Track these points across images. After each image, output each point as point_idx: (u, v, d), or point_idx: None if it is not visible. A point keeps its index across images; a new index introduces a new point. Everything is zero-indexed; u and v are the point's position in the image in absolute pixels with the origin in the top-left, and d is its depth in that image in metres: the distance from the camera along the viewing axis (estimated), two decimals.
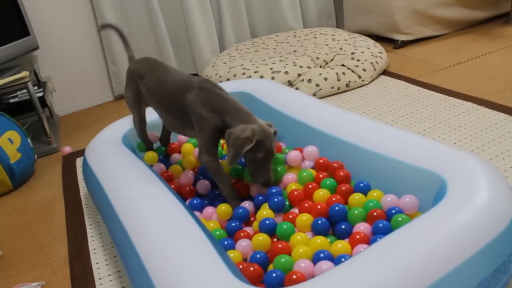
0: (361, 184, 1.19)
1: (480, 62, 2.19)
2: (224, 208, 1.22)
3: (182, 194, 1.38)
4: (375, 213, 1.07)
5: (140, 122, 1.50)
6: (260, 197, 1.24)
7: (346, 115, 1.39)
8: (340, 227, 1.09)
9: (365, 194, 1.18)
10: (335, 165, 1.27)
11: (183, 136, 1.65)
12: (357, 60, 2.21)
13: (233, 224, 1.18)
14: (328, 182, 1.21)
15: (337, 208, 1.09)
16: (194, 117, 1.26)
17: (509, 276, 0.87)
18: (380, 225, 1.03)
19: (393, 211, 1.07)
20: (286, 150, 1.47)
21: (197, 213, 1.29)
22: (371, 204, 1.11)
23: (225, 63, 2.40)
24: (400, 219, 1.03)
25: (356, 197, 1.14)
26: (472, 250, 0.82)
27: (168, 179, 1.42)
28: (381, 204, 1.11)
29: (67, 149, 2.05)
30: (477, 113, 1.71)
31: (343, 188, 1.18)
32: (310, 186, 1.21)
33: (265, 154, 1.20)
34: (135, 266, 0.98)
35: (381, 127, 1.27)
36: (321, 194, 1.17)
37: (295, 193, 1.20)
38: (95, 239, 1.43)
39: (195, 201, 1.31)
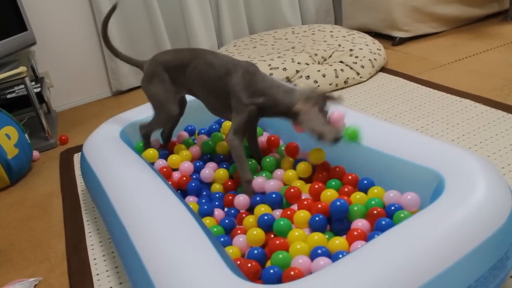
0: (365, 182, 1.19)
1: (479, 59, 2.20)
2: (221, 172, 1.37)
3: (180, 185, 1.40)
4: (375, 211, 1.07)
5: (170, 118, 1.43)
6: (258, 198, 1.25)
7: (344, 111, 1.38)
8: (337, 223, 1.09)
9: (366, 190, 1.18)
10: (337, 169, 1.26)
11: (183, 133, 1.65)
12: (356, 57, 2.21)
13: (226, 221, 1.19)
14: (333, 183, 1.22)
15: (338, 203, 1.09)
16: (233, 99, 1.28)
17: (506, 273, 0.88)
18: (383, 222, 1.03)
19: (392, 208, 1.08)
20: (282, 148, 1.46)
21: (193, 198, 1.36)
22: (373, 202, 1.11)
23: None
24: (402, 215, 1.03)
25: (358, 196, 1.14)
26: (470, 247, 0.82)
27: (166, 174, 1.42)
28: (384, 200, 1.12)
29: (36, 154, 2.02)
30: (475, 110, 1.72)
31: (346, 189, 1.18)
32: (317, 186, 1.20)
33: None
34: (132, 262, 0.98)
35: (379, 124, 1.27)
36: (328, 194, 1.16)
37: (292, 190, 1.20)
38: (92, 235, 1.43)
39: (193, 184, 1.35)
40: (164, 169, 1.42)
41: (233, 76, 1.29)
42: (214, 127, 1.69)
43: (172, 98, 1.42)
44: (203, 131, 1.70)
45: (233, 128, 1.28)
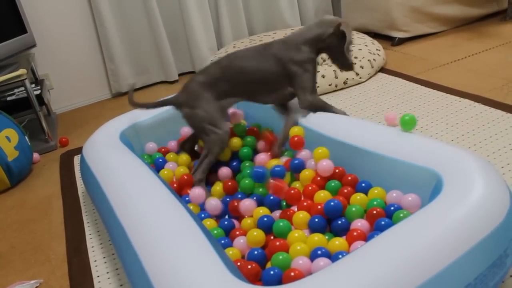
0: (363, 184, 1.20)
1: (478, 59, 2.20)
2: (218, 188, 1.34)
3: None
4: (374, 212, 1.07)
5: (225, 139, 1.37)
6: (254, 198, 1.25)
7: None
8: (337, 224, 1.09)
9: (366, 192, 1.18)
10: (336, 170, 1.26)
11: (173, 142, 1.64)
12: (355, 58, 2.21)
13: (226, 222, 1.19)
14: (333, 184, 1.22)
15: (332, 203, 1.09)
16: (290, 65, 1.37)
17: (505, 270, 0.88)
18: (383, 222, 1.03)
19: (392, 208, 1.08)
20: (285, 153, 1.45)
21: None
22: (375, 203, 1.11)
23: None
24: (401, 215, 1.03)
25: (358, 197, 1.14)
26: (469, 245, 0.82)
27: (186, 183, 1.38)
28: (386, 200, 1.12)
29: (36, 156, 2.03)
30: (474, 110, 1.72)
31: (345, 190, 1.18)
32: (310, 188, 1.20)
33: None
34: (133, 264, 0.98)
35: (377, 125, 1.27)
36: (321, 196, 1.16)
37: (292, 191, 1.20)
38: (93, 237, 1.43)
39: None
40: (185, 177, 1.39)
41: (274, 50, 1.39)
42: None
43: (221, 117, 1.38)
44: None
45: (309, 89, 1.38)
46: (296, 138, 1.32)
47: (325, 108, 1.40)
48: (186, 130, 1.64)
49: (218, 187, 1.34)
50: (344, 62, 1.44)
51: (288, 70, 1.38)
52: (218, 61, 1.41)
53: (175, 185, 1.39)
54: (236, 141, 1.47)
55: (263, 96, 1.43)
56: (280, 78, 1.39)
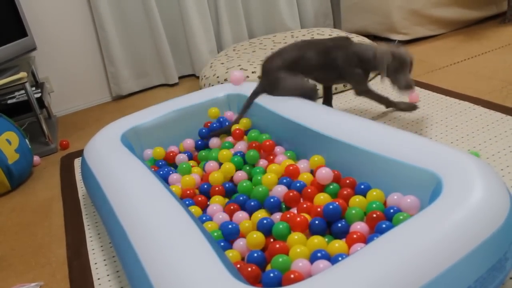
0: (362, 186, 1.20)
1: (477, 61, 2.20)
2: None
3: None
4: (374, 215, 1.07)
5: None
6: (252, 203, 1.25)
7: (342, 115, 1.39)
8: (336, 226, 1.09)
9: (365, 194, 1.18)
10: (335, 173, 1.27)
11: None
12: None
13: (229, 226, 1.19)
14: (331, 186, 1.22)
15: (331, 206, 1.10)
16: (344, 66, 1.65)
17: (505, 273, 0.88)
18: (383, 226, 1.03)
19: (392, 211, 1.08)
20: (288, 154, 1.45)
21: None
22: (374, 205, 1.11)
23: (222, 63, 2.40)
24: (401, 217, 1.03)
25: (357, 199, 1.14)
26: (468, 248, 0.82)
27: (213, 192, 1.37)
28: (387, 202, 1.13)
29: (36, 159, 2.03)
30: (473, 112, 1.72)
31: (345, 192, 1.19)
32: (309, 190, 1.21)
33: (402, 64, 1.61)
34: (133, 267, 0.98)
35: (377, 126, 1.28)
36: (321, 199, 1.17)
37: (291, 194, 1.21)
38: (93, 239, 1.43)
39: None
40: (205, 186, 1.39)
41: (336, 50, 1.65)
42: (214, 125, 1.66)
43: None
44: (203, 131, 1.68)
45: (358, 84, 1.69)
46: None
47: (373, 99, 1.71)
48: (189, 142, 1.65)
49: (217, 198, 1.35)
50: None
51: (343, 73, 1.68)
52: (291, 51, 1.68)
53: (191, 191, 1.38)
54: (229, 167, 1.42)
55: (323, 81, 1.78)
56: (336, 76, 1.71)
